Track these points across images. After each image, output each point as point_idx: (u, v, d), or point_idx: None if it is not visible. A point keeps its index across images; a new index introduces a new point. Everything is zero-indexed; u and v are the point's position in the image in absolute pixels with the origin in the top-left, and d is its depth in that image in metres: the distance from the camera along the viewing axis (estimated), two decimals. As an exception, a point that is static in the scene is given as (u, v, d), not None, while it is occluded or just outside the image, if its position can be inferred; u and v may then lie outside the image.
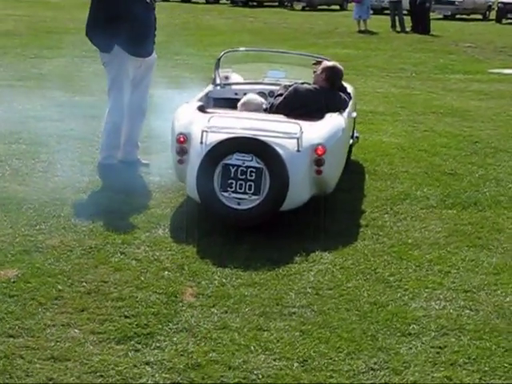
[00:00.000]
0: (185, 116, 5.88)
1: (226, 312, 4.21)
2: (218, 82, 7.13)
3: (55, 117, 8.84)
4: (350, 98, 6.57)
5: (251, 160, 5.25)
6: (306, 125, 5.61)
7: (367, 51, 18.44)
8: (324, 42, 20.11)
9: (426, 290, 4.61)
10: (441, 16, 32.45)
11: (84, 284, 4.49)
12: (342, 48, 18.63)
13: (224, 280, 4.63)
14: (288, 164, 5.26)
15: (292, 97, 6.22)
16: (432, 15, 26.32)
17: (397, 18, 24.47)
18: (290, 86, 6.42)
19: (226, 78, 7.18)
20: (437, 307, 4.38)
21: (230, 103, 6.85)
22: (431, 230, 5.72)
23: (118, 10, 6.48)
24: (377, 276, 4.80)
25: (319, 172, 5.41)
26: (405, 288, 4.64)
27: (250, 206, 5.25)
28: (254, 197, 5.25)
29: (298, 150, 5.34)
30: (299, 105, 6.10)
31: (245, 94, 6.91)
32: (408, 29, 24.05)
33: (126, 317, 4.09)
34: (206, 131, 5.43)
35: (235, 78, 7.38)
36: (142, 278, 4.60)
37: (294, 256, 5.04)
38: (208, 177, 5.28)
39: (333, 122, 5.87)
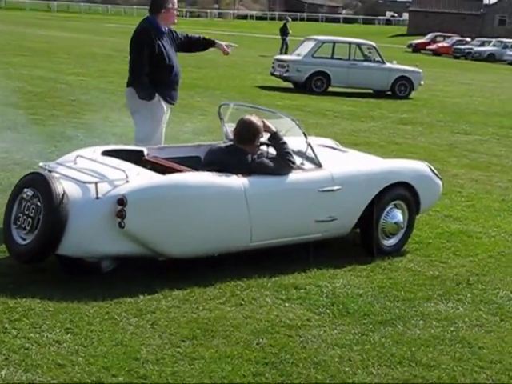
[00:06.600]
0: (75, 154, 5.84)
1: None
2: (225, 136, 6.75)
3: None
4: (282, 161, 5.79)
5: (35, 197, 5.17)
6: (145, 176, 5.36)
7: None
8: None
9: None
10: None
11: None
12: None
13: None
14: (74, 208, 5.07)
15: (206, 155, 6.07)
16: None
17: None
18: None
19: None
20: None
21: None
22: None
23: (159, 61, 6.73)
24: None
25: (121, 225, 5.10)
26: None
27: (26, 242, 5.16)
28: (30, 234, 5.15)
29: (97, 197, 5.11)
30: (209, 163, 5.86)
31: None
32: None
33: None
34: (44, 167, 5.48)
35: None
36: None
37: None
38: (9, 208, 5.37)
39: (172, 177, 5.43)
